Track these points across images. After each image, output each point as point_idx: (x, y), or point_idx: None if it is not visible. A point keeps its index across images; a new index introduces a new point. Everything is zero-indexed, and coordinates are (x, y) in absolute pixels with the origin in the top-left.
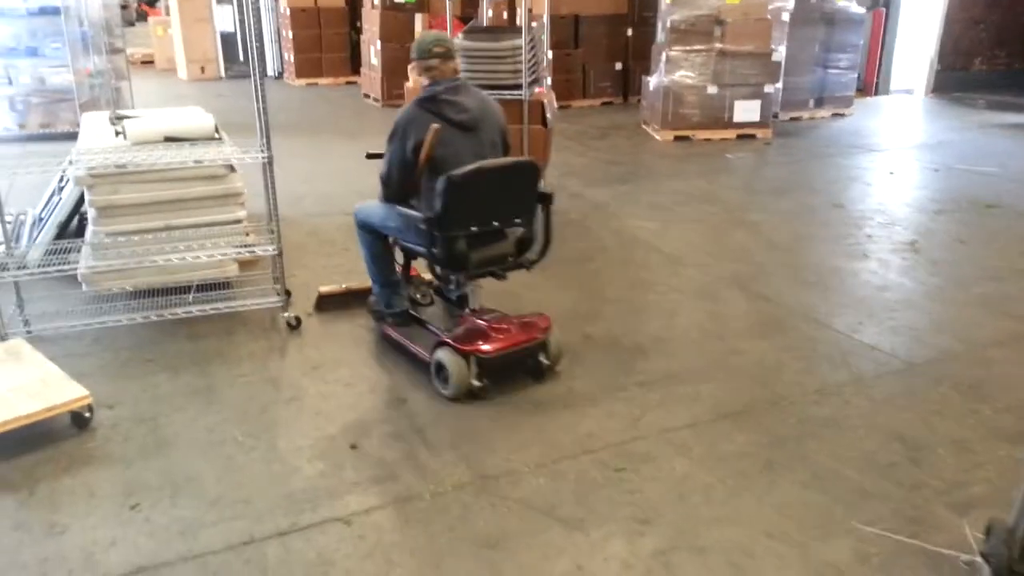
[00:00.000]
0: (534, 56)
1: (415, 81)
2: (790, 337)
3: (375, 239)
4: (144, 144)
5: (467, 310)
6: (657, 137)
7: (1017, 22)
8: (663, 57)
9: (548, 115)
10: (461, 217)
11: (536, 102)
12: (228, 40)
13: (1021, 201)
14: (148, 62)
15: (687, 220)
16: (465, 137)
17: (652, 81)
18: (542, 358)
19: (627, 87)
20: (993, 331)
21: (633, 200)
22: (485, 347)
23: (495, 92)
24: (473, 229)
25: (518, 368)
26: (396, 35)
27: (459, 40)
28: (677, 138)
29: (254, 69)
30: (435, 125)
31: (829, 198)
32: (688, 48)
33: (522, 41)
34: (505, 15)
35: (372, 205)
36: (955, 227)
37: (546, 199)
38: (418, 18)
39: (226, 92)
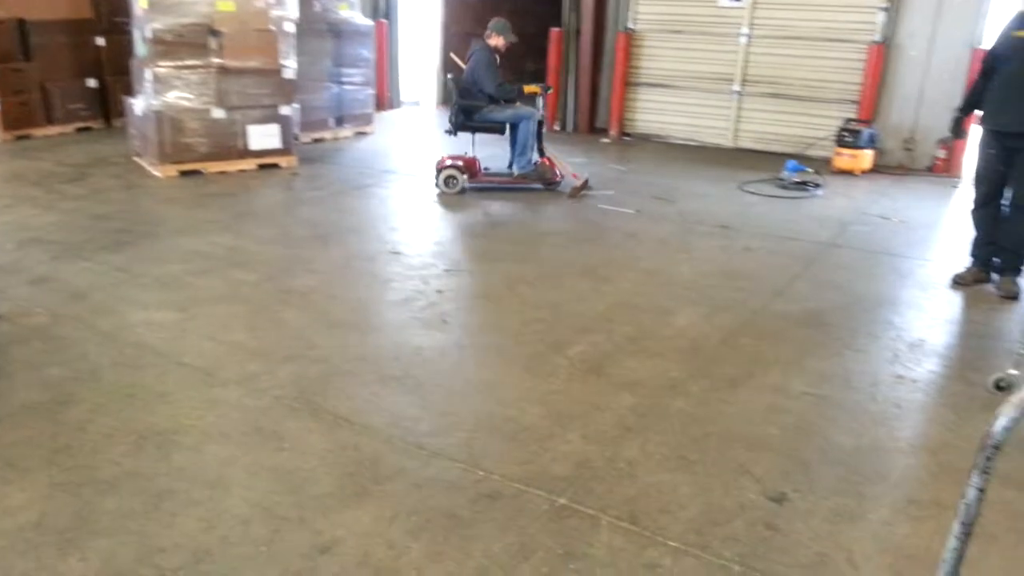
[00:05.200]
0: None
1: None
2: (393, 493)
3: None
4: None
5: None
6: (157, 174)
7: None
8: (148, 75)
9: None
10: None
11: None
12: None
13: (562, 224)
14: None
15: (215, 300)
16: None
17: (139, 104)
18: None
19: (108, 109)
20: (616, 416)
21: (133, 277)
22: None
23: None
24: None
25: None
26: None
27: None
28: (183, 173)
29: None
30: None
31: (382, 242)
32: (180, 63)
33: None
34: None
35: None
36: (517, 265)
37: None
38: None
39: None
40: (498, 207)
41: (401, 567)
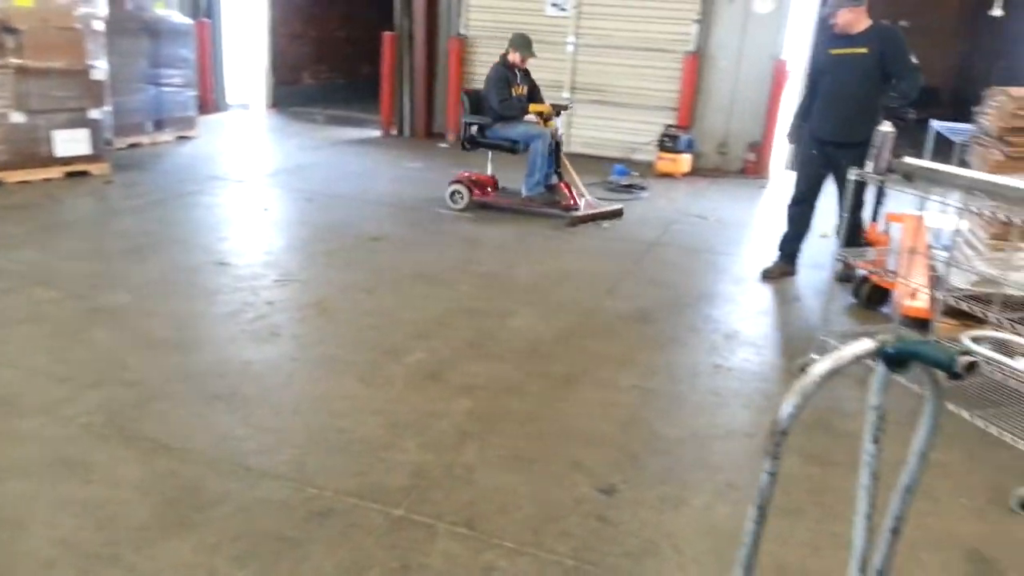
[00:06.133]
0: None
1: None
2: (217, 519)
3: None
4: None
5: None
6: None
7: (333, 37)
8: None
9: None
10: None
11: None
12: None
13: (399, 229)
14: None
15: (15, 322)
16: None
17: None
18: None
19: None
20: (454, 421)
21: None
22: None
23: None
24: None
25: None
26: None
27: None
28: None
29: None
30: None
31: (208, 253)
32: None
33: None
34: None
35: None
36: (351, 272)
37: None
38: None
39: None
40: (328, 212)
41: None
